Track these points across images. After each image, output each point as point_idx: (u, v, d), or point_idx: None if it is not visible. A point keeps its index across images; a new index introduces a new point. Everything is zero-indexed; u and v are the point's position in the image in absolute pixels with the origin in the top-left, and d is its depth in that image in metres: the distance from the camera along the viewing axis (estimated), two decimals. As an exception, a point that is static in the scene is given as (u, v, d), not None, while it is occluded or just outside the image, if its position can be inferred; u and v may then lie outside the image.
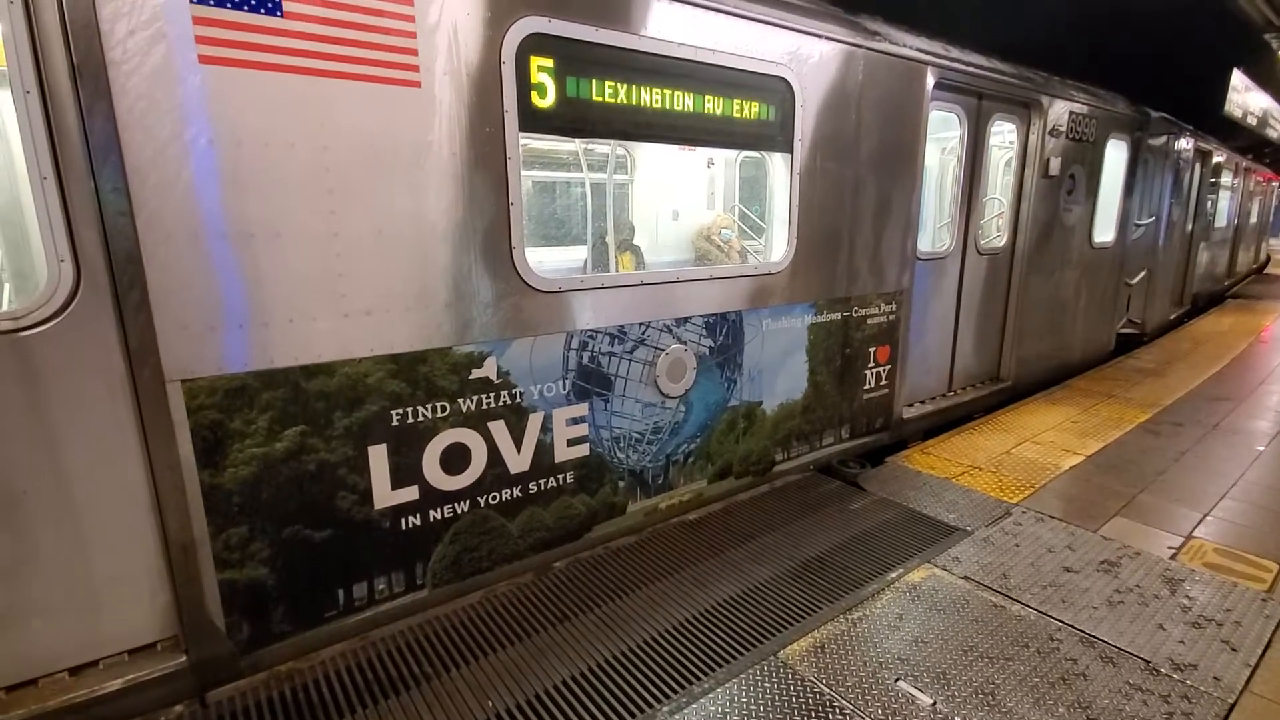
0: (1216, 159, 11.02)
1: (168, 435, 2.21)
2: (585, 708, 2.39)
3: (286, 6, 2.21)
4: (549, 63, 2.84)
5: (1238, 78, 10.79)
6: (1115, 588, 3.14)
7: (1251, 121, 12.09)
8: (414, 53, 2.48)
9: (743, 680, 2.52)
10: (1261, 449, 4.98)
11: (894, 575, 3.23)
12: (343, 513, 2.58)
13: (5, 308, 2.18)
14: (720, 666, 2.60)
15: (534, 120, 2.85)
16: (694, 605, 3.00)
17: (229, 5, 2.12)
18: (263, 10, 2.17)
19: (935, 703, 2.40)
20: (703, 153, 6.02)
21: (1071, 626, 2.85)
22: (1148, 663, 2.61)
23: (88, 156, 2.00)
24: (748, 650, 2.69)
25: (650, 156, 5.70)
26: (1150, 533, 3.69)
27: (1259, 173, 17.25)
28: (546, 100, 2.87)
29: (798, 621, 2.88)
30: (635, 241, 5.63)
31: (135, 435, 2.20)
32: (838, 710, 2.37)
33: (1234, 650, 2.68)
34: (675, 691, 2.47)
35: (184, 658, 2.34)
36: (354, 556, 2.64)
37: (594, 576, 3.21)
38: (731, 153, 5.82)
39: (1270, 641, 2.74)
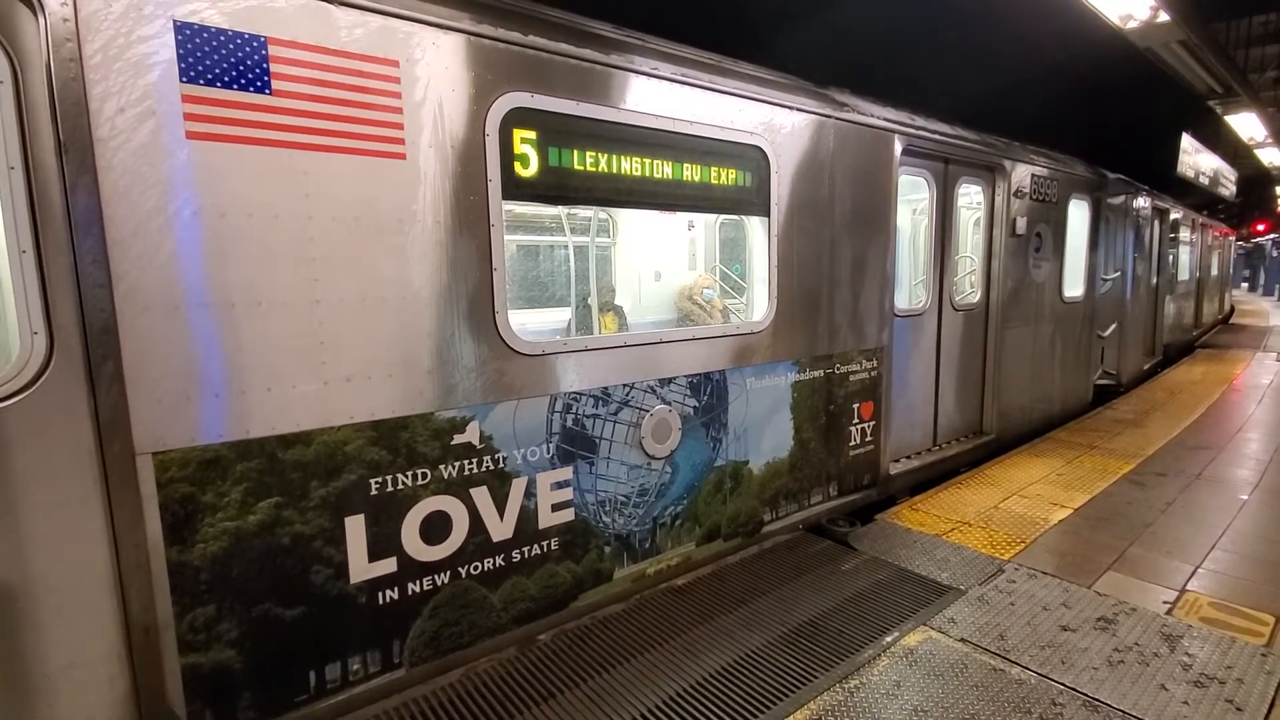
0: (1174, 215, 11.54)
1: (135, 510, 2.13)
2: (572, 795, 2.25)
3: (275, 85, 2.28)
4: (531, 134, 2.92)
5: (1187, 141, 11.38)
6: (1114, 646, 3.07)
7: (1204, 181, 12.69)
8: (400, 126, 2.55)
9: (738, 759, 2.39)
10: (1245, 498, 5.00)
11: (890, 639, 3.14)
12: (316, 588, 2.47)
13: None
14: (714, 744, 2.48)
15: (517, 188, 2.92)
16: (685, 677, 2.88)
17: (219, 84, 2.18)
18: (251, 89, 2.24)
19: (940, 777, 2.30)
20: (684, 215, 6.21)
21: (1074, 690, 2.76)
22: (1154, 726, 2.53)
23: (69, 230, 2.00)
24: (742, 725, 2.58)
25: (632, 219, 5.85)
26: (1144, 587, 3.64)
27: (1216, 228, 17.99)
28: (529, 170, 2.95)
29: (793, 692, 2.77)
30: (618, 302, 5.70)
31: (100, 511, 2.10)
32: (839, 789, 2.25)
33: (1239, 710, 2.61)
34: (667, 774, 2.34)
35: None
36: (327, 635, 2.52)
37: (580, 649, 3.09)
38: (711, 215, 5.99)
39: (1274, 700, 2.67)
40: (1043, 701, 2.69)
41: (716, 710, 2.67)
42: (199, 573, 2.24)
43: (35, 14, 1.92)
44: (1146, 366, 10.80)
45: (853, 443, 4.69)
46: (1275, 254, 34.60)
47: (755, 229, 4.08)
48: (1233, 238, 24.03)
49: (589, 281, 5.42)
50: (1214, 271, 18.83)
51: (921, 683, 2.82)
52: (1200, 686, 2.76)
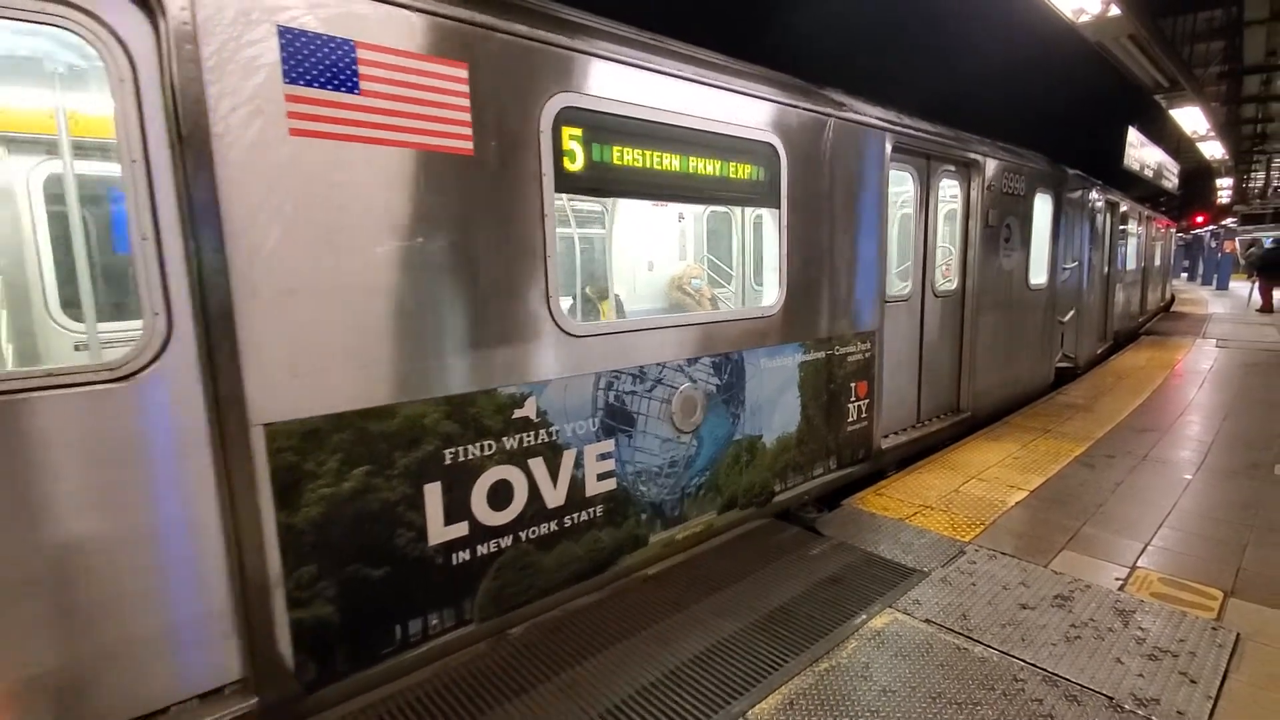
0: (1123, 208, 12.02)
1: (249, 477, 2.31)
2: (546, 788, 2.22)
3: (363, 85, 2.48)
4: (578, 132, 3.16)
5: (1133, 134, 11.76)
6: (1071, 622, 3.17)
7: (1148, 174, 13.16)
8: (468, 124, 2.76)
9: (712, 745, 2.40)
10: (1189, 477, 5.21)
11: (858, 622, 3.19)
12: (400, 550, 2.68)
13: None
14: (688, 732, 2.48)
15: (566, 182, 3.16)
16: (658, 666, 2.88)
17: (316, 85, 2.37)
18: (343, 89, 2.44)
19: (909, 756, 2.34)
20: (673, 207, 6.37)
21: (1034, 666, 2.84)
22: (1111, 699, 2.62)
23: (190, 219, 2.17)
24: (716, 712, 2.58)
25: (626, 211, 5.99)
26: (1097, 565, 3.77)
27: (1159, 220, 18.69)
28: (576, 164, 3.19)
29: (765, 677, 2.79)
30: (615, 291, 5.92)
31: (216, 478, 2.29)
32: (811, 771, 2.27)
33: (1193, 682, 2.72)
34: (642, 763, 2.33)
35: (254, 700, 2.37)
36: (410, 593, 2.73)
37: (553, 642, 3.06)
38: (700, 207, 6.25)
39: (1227, 671, 2.79)
40: (1005, 678, 2.77)
41: (690, 697, 2.67)
42: (302, 535, 2.43)
43: (155, 18, 2.10)
44: (1100, 350, 11.41)
45: (850, 419, 5.01)
46: (1213, 245, 36.18)
47: (766, 220, 4.35)
48: (1174, 229, 25.02)
49: (590, 271, 5.65)
50: (1157, 262, 19.61)
51: (889, 663, 2.87)
52: (1154, 659, 2.87)
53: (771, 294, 4.34)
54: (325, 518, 2.47)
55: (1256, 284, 20.24)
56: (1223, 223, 35.66)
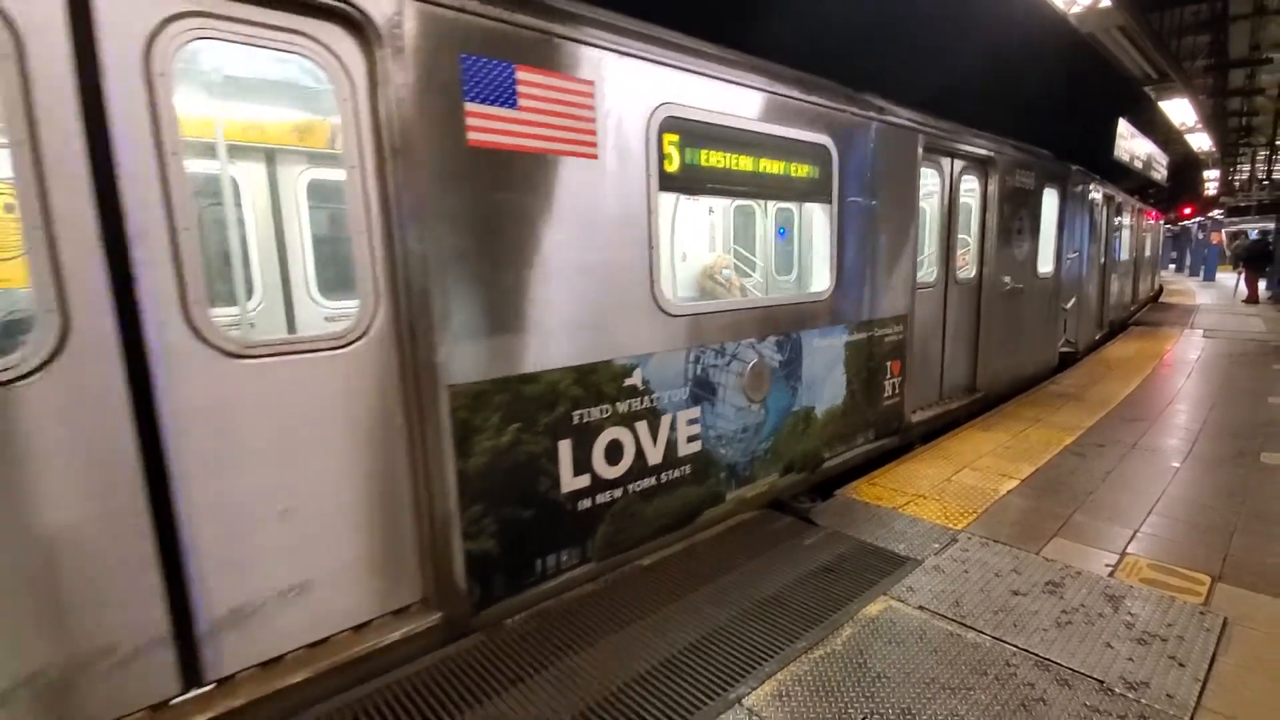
0: (1118, 201, 12.28)
1: (437, 430, 2.76)
2: (544, 776, 2.23)
3: (520, 102, 2.93)
4: (675, 138, 3.61)
5: (1123, 125, 11.82)
6: (1062, 608, 3.20)
7: (1138, 165, 13.23)
8: (593, 133, 3.21)
9: (709, 732, 2.41)
10: (1177, 466, 5.27)
11: (852, 609, 3.21)
12: (541, 495, 3.16)
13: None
14: (685, 719, 2.49)
15: (666, 181, 3.60)
16: (654, 654, 2.89)
17: (487, 102, 2.82)
18: (506, 105, 2.88)
19: (903, 740, 2.36)
20: (704, 201, 6.99)
21: (1026, 651, 2.87)
22: (1101, 683, 2.65)
23: (397, 215, 2.62)
24: (712, 699, 2.59)
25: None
26: (1088, 552, 3.80)
27: (1147, 212, 18.83)
28: (673, 166, 3.64)
29: (761, 664, 2.80)
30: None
31: (410, 430, 2.76)
32: (807, 757, 2.29)
33: (1181, 666, 2.75)
34: (639, 750, 2.34)
35: (437, 616, 2.84)
36: (546, 533, 3.21)
37: (549, 631, 3.06)
38: (726, 200, 6.80)
39: (1215, 655, 2.82)
40: (997, 663, 2.79)
41: (686, 685, 2.68)
42: (473, 479, 2.88)
43: (371, 49, 2.53)
44: (1097, 337, 12.04)
45: (885, 395, 5.51)
46: (1200, 236, 36.47)
47: (818, 214, 4.85)
48: (1162, 221, 25.20)
49: None
50: (1147, 253, 19.81)
51: (883, 650, 2.89)
52: (1144, 644, 2.90)
53: (822, 281, 4.82)
54: (489, 466, 2.94)
55: (1242, 275, 20.44)
56: (1210, 214, 35.95)
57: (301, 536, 2.54)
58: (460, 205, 2.77)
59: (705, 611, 3.22)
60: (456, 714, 2.53)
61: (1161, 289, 24.90)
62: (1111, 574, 3.54)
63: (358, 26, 2.52)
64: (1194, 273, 34.04)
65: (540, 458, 3.12)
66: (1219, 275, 30.07)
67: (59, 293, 2.05)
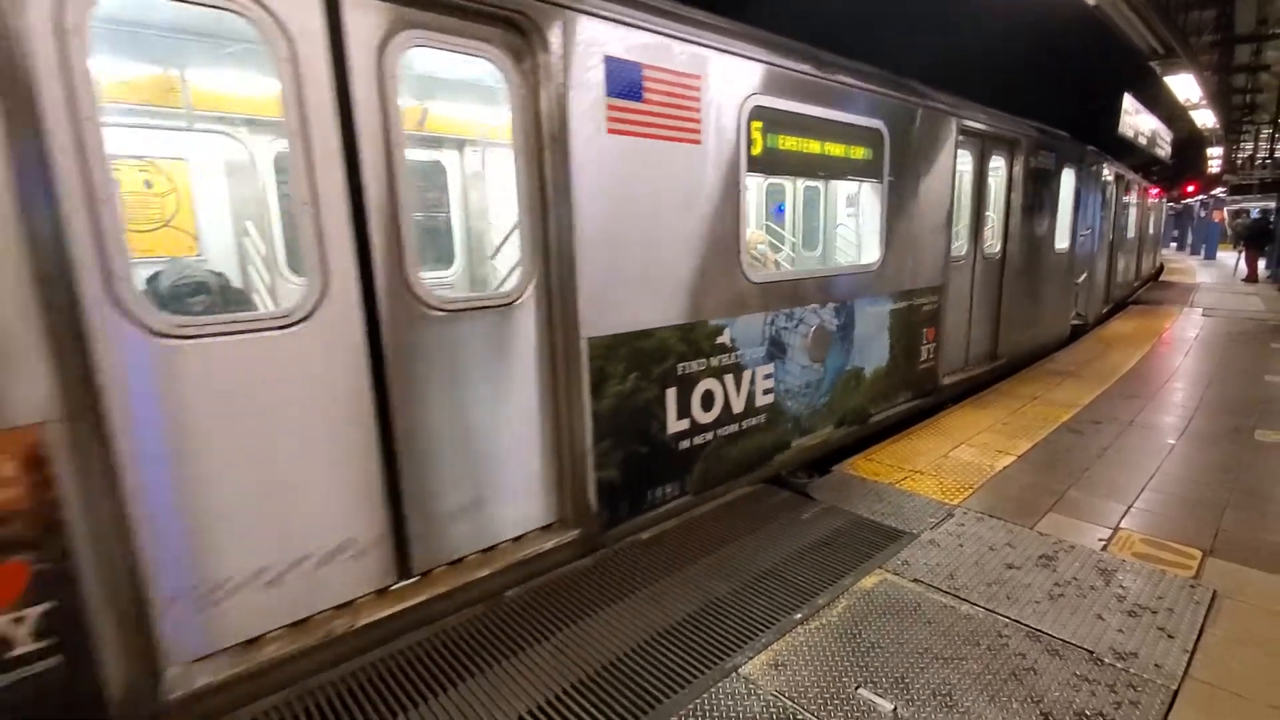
0: (1127, 180, 12.49)
1: (577, 375, 3.26)
2: (544, 742, 2.27)
3: (645, 95, 3.40)
4: (759, 124, 4.08)
5: (1128, 101, 11.68)
6: (1054, 581, 3.24)
7: (1143, 141, 13.10)
8: (698, 121, 3.68)
9: (705, 700, 2.46)
10: (1173, 442, 5.30)
11: (848, 582, 3.25)
12: (652, 435, 3.68)
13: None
14: (682, 687, 2.53)
15: (751, 163, 4.07)
16: (652, 625, 2.93)
17: (622, 96, 3.29)
18: (635, 99, 3.35)
19: (896, 708, 2.41)
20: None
21: (1018, 622, 2.92)
22: (1091, 653, 2.70)
23: (553, 194, 3.10)
24: (709, 668, 2.64)
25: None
26: (1082, 526, 3.85)
27: (1148, 189, 18.70)
28: (757, 150, 4.09)
29: (757, 635, 2.85)
30: None
31: (555, 375, 3.28)
32: (802, 723, 2.34)
33: (1170, 637, 2.80)
34: (639, 716, 2.39)
35: (575, 532, 3.38)
36: (655, 468, 3.74)
37: (547, 604, 3.10)
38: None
39: (1203, 627, 2.87)
40: (990, 634, 2.84)
41: (684, 654, 2.73)
42: (603, 418, 3.39)
43: (535, 54, 2.98)
44: (1104, 310, 12.64)
45: (922, 359, 6.07)
46: (1202, 214, 36.26)
47: (868, 192, 5.35)
48: (1164, 199, 25.03)
49: None
50: (1150, 230, 19.80)
51: (878, 622, 2.93)
52: (1134, 616, 2.95)
53: (872, 253, 5.32)
54: (615, 407, 3.44)
55: (1242, 254, 20.38)
56: (1212, 192, 35.69)
57: (476, 460, 3.07)
58: (598, 186, 3.24)
59: (703, 584, 3.26)
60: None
61: (1162, 267, 24.85)
62: (1104, 548, 3.59)
63: (527, 34, 2.97)
64: (1195, 251, 33.91)
65: (652, 402, 3.65)
66: (1220, 254, 29.96)
67: (321, 257, 2.52)
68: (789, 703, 2.43)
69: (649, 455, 3.68)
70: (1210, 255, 30.26)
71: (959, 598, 3.12)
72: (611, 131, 3.26)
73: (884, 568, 3.39)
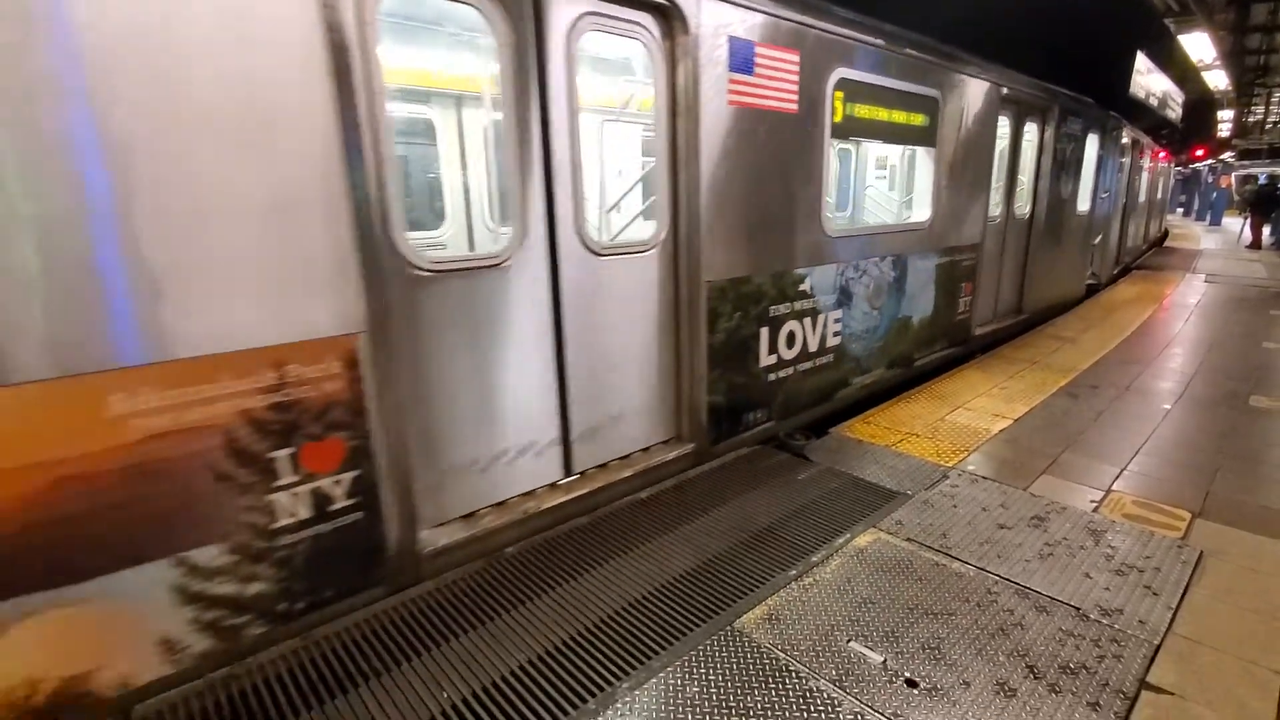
0: (1142, 144, 12.91)
1: (697, 312, 3.82)
2: (543, 691, 2.35)
3: (755, 70, 3.86)
4: (841, 94, 4.54)
5: (1141, 60, 11.40)
6: (1045, 541, 3.30)
7: (1153, 102, 12.84)
8: (795, 92, 4.15)
9: (700, 652, 2.53)
10: (1168, 407, 5.34)
11: (842, 541, 3.31)
12: (747, 367, 4.25)
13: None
14: (677, 640, 2.60)
15: (834, 130, 4.53)
16: (649, 581, 2.99)
17: (739, 71, 3.75)
18: (748, 73, 3.81)
19: (885, 659, 2.47)
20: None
21: (1007, 580, 2.98)
22: (1078, 609, 2.76)
23: (685, 157, 3.61)
24: (704, 622, 2.71)
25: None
26: (1074, 488, 3.90)
27: (1155, 151, 18.43)
28: (839, 118, 4.56)
29: (752, 591, 2.91)
30: None
31: (678, 312, 3.84)
32: (793, 674, 2.41)
33: (1155, 595, 2.86)
34: (634, 668, 2.46)
35: (690, 446, 3.99)
36: (749, 395, 4.32)
37: (546, 559, 3.16)
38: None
39: (1188, 585, 2.93)
40: (979, 590, 2.90)
41: (681, 608, 2.79)
42: (714, 350, 3.95)
43: (674, 35, 3.46)
44: (1115, 271, 13.23)
45: (959, 311, 6.64)
46: (1210, 180, 35.79)
47: (922, 156, 5.84)
48: (1171, 163, 24.67)
49: None
50: (1158, 195, 19.66)
51: (871, 578, 2.99)
52: (1121, 575, 3.01)
53: (924, 212, 5.84)
54: (723, 341, 4.00)
55: (1248, 220, 20.19)
56: (1221, 156, 35.19)
57: (619, 381, 3.66)
58: (719, 150, 3.73)
59: (699, 542, 3.32)
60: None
61: (1166, 233, 24.64)
62: (1096, 509, 3.64)
63: (671, 19, 3.44)
64: (1200, 217, 33.56)
65: (750, 339, 4.21)
66: (1225, 220, 29.67)
67: (521, 209, 3.07)
68: (781, 655, 2.50)
69: (745, 384, 4.26)
70: (1216, 221, 29.97)
71: (951, 556, 3.18)
72: (730, 102, 3.74)
73: (878, 527, 3.45)
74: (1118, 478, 4.04)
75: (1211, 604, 2.81)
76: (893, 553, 3.21)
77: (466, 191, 5.41)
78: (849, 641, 2.58)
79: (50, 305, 1.86)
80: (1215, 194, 31.71)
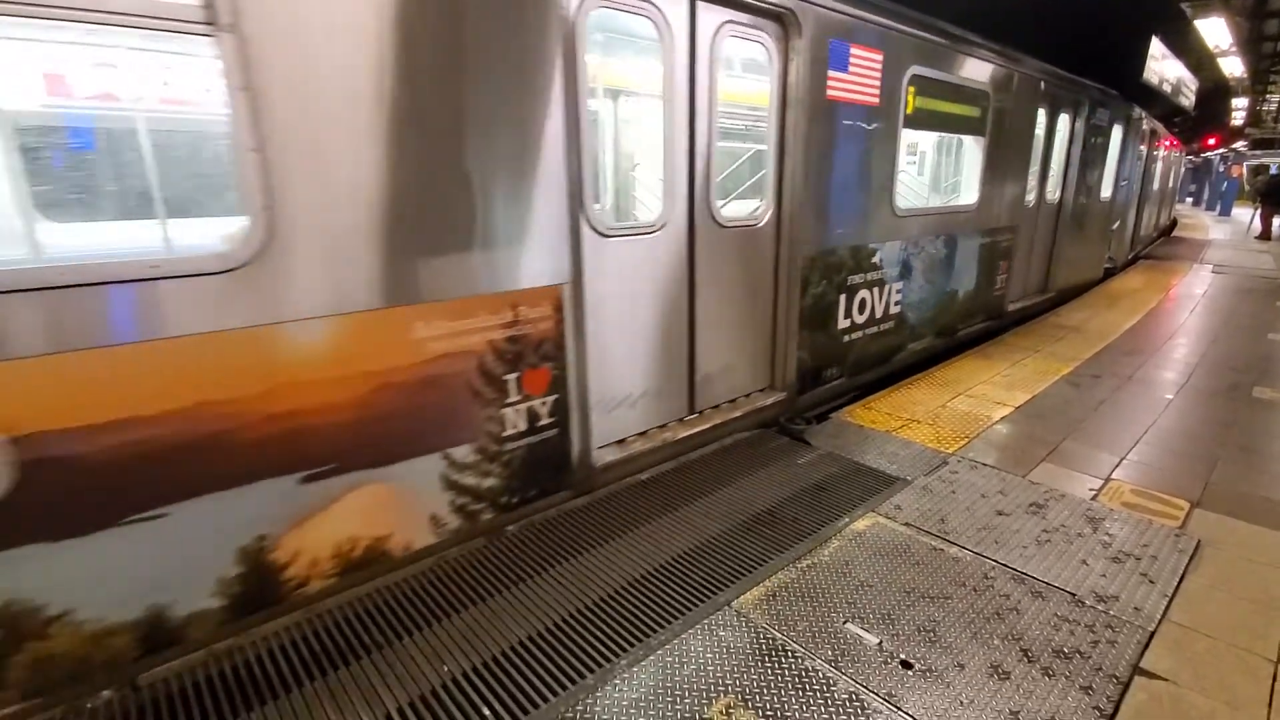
0: (1159, 135, 13.74)
1: (793, 280, 4.42)
2: (544, 666, 2.38)
3: (849, 68, 4.41)
4: (913, 89, 5.11)
5: (1156, 45, 11.21)
6: (1043, 528, 3.32)
7: (1167, 88, 12.66)
8: (878, 86, 4.72)
9: (698, 630, 2.56)
10: (1170, 397, 5.33)
11: (840, 524, 3.33)
12: (829, 329, 4.86)
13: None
14: (677, 618, 2.63)
15: (906, 121, 5.11)
16: (649, 562, 3.02)
17: (836, 69, 4.31)
18: (844, 70, 4.38)
19: (881, 641, 2.50)
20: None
21: (1004, 565, 3.00)
22: (1073, 596, 2.79)
23: (791, 144, 4.17)
24: (702, 601, 2.73)
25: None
26: (1073, 476, 3.91)
27: (1161, 139, 18.23)
28: (910, 109, 5.10)
29: (750, 572, 2.94)
30: None
31: (776, 279, 4.44)
32: (790, 653, 2.43)
33: (1151, 582, 2.88)
34: (633, 644, 2.49)
35: (782, 394, 4.58)
36: (827, 354, 4.93)
37: (547, 538, 3.19)
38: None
39: (1184, 573, 2.95)
40: (976, 575, 2.93)
41: (678, 588, 2.82)
42: (804, 312, 4.56)
43: (788, 36, 4.03)
44: (1130, 256, 13.97)
45: (996, 288, 7.27)
46: (1221, 169, 35.41)
47: (969, 145, 6.48)
48: (1182, 151, 24.38)
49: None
50: (1168, 184, 19.63)
51: (868, 561, 3.02)
52: (1118, 562, 3.03)
53: (971, 195, 6.43)
54: (811, 305, 4.61)
55: (1258, 211, 20.00)
56: (1233, 146, 34.76)
57: (732, 336, 4.28)
58: (817, 138, 4.29)
59: (699, 523, 3.35)
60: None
61: (1175, 222, 24.44)
62: (1094, 498, 3.65)
63: (787, 24, 4.01)
64: (1210, 207, 33.25)
65: (832, 304, 4.80)
66: (1235, 211, 29.40)
67: (668, 189, 3.71)
68: (778, 634, 2.53)
69: (826, 344, 4.87)
70: (1225, 212, 29.70)
71: (948, 541, 3.20)
72: (828, 96, 4.30)
73: (877, 511, 3.47)
74: (1117, 466, 4.05)
75: (1207, 592, 2.83)
76: (891, 537, 3.23)
77: (616, 172, 6.14)
78: (845, 623, 2.60)
79: (384, 255, 2.48)
80: (1226, 184, 31.40)
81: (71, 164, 3.48)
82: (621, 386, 3.69)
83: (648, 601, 2.74)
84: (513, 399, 2.97)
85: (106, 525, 2.05)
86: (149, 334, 2.02)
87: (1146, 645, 2.50)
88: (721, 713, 2.18)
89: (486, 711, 2.18)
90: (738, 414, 4.26)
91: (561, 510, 3.41)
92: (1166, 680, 2.33)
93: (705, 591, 2.80)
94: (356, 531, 2.58)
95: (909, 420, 4.76)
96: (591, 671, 2.35)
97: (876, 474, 3.91)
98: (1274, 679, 2.35)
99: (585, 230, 3.21)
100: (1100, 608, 2.71)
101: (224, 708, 2.19)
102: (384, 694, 2.26)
